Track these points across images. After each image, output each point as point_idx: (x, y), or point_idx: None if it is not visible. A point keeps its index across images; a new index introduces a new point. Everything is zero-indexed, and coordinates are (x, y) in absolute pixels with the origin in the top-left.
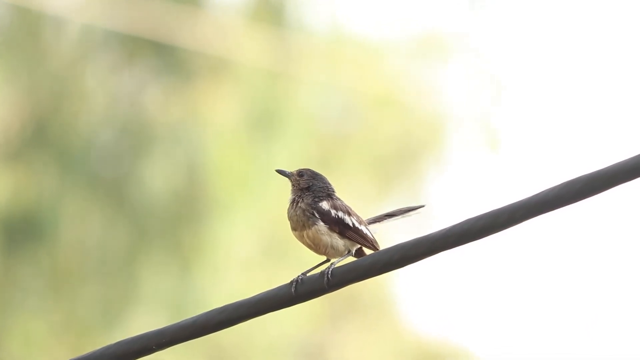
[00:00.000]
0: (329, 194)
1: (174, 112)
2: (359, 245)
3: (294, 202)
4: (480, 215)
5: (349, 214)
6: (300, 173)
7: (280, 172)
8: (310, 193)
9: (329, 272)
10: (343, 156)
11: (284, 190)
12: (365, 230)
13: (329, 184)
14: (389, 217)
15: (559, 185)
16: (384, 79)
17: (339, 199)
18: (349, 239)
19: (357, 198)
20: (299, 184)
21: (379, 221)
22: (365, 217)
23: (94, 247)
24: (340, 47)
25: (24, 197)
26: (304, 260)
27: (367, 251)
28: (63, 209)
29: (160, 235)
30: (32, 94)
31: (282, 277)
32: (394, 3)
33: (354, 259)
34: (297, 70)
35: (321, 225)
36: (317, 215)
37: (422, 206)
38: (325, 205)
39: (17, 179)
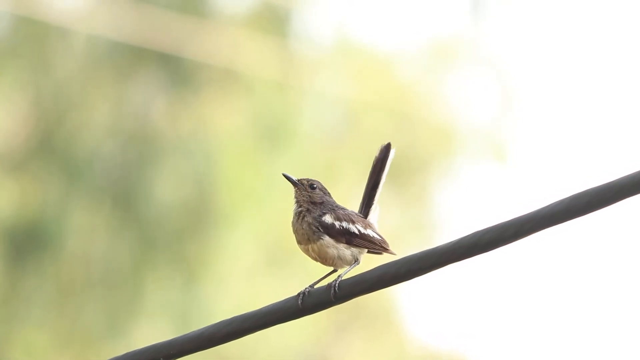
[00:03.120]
0: (332, 207)
1: (180, 124)
2: (367, 250)
3: (300, 214)
4: (488, 228)
5: (353, 222)
6: (312, 185)
7: (286, 177)
8: (318, 207)
9: (336, 284)
10: (350, 167)
11: (290, 201)
12: (372, 234)
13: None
14: (374, 191)
15: (567, 198)
16: (391, 89)
17: (342, 208)
18: (357, 246)
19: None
20: (309, 197)
21: (369, 206)
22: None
23: (99, 258)
24: (346, 57)
25: (29, 208)
26: (310, 271)
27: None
28: (68, 220)
29: (166, 246)
30: (38, 105)
31: (287, 288)
32: (401, 12)
33: (364, 268)
34: (304, 81)
35: (327, 239)
36: (321, 229)
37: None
38: (328, 218)
39: (22, 190)
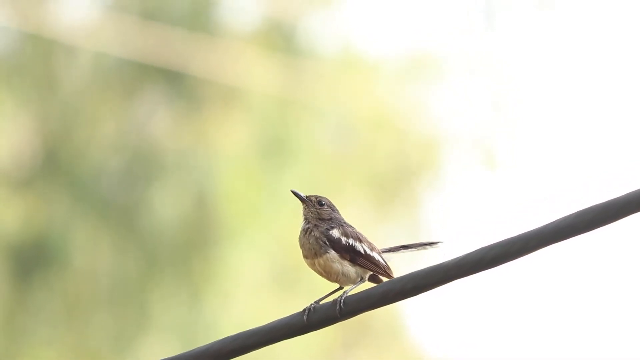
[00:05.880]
0: (340, 223)
1: (184, 140)
2: (371, 272)
3: (307, 230)
4: (493, 244)
5: (360, 241)
6: (321, 202)
7: (295, 193)
8: (326, 223)
9: (342, 300)
10: (352, 181)
11: (295, 217)
12: (377, 257)
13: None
14: (405, 249)
15: (572, 214)
16: (387, 101)
17: (350, 226)
18: (361, 266)
19: (366, 222)
20: (318, 214)
21: (393, 251)
22: (377, 242)
23: (104, 274)
24: (350, 72)
25: (35, 225)
26: (315, 287)
27: (383, 278)
28: (74, 237)
29: (171, 262)
30: (44, 122)
31: (293, 304)
32: (399, 25)
33: (370, 284)
34: (307, 96)
35: (332, 254)
36: (328, 243)
37: (438, 242)
38: (335, 233)
39: (28, 207)
